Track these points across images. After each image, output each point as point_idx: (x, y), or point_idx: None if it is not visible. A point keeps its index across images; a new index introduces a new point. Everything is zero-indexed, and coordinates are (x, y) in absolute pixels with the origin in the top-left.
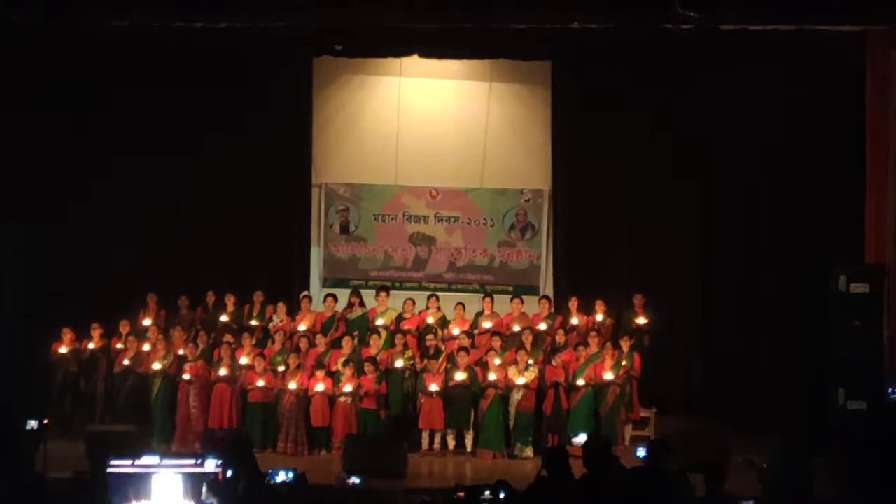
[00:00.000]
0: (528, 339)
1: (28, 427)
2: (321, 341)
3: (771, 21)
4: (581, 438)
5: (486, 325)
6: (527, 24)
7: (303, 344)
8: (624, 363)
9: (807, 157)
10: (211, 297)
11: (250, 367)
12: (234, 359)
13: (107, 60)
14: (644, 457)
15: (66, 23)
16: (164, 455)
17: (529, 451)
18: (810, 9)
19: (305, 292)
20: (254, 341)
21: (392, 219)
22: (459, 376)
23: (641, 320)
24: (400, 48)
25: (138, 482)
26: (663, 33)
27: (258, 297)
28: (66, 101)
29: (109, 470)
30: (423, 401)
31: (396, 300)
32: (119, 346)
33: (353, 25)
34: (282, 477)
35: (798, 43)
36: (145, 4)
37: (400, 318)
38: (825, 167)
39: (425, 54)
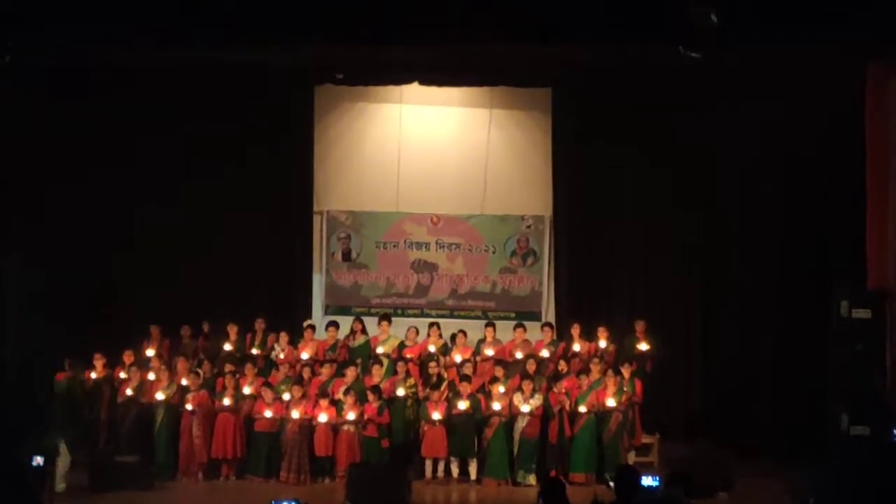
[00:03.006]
0: (531, 366)
1: (34, 464)
2: (327, 370)
3: (772, 51)
4: None
5: (489, 352)
6: (527, 53)
7: (306, 373)
8: (626, 389)
9: (807, 184)
10: (206, 326)
11: (255, 397)
12: (237, 388)
13: (106, 90)
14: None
15: (64, 59)
16: None
17: (532, 479)
18: (810, 40)
19: (309, 321)
20: (256, 370)
21: (393, 246)
22: (462, 405)
23: (643, 346)
24: (400, 76)
25: None
26: (664, 63)
27: (260, 325)
28: (65, 129)
29: None
30: (425, 429)
31: (398, 327)
32: (122, 375)
33: (352, 61)
34: None
35: (798, 70)
36: (146, 35)
37: (402, 346)
38: (826, 193)
39: (426, 82)
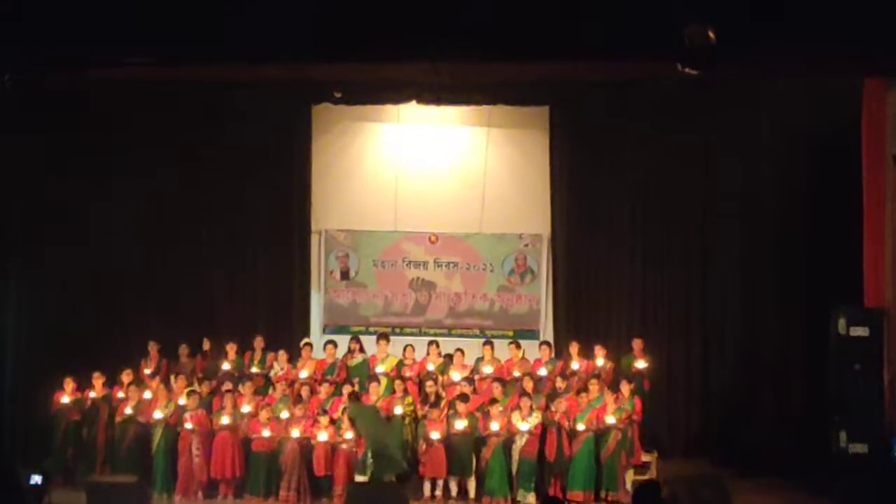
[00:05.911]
0: (528, 384)
1: (32, 482)
2: (326, 389)
3: (770, 69)
4: None
5: (487, 370)
6: (525, 71)
7: (304, 392)
8: (625, 407)
9: (805, 201)
10: (206, 344)
11: (253, 416)
12: (236, 407)
13: (106, 107)
14: None
15: (64, 75)
16: None
17: (532, 498)
18: (808, 62)
19: (307, 339)
20: (254, 388)
21: (392, 265)
22: (460, 424)
23: (641, 364)
24: (398, 95)
25: None
26: (662, 80)
27: (259, 343)
28: (65, 146)
29: None
30: (424, 448)
31: (396, 346)
32: (120, 394)
33: (351, 80)
34: None
35: (796, 88)
36: (144, 54)
37: (400, 365)
38: (823, 211)
39: (424, 101)
